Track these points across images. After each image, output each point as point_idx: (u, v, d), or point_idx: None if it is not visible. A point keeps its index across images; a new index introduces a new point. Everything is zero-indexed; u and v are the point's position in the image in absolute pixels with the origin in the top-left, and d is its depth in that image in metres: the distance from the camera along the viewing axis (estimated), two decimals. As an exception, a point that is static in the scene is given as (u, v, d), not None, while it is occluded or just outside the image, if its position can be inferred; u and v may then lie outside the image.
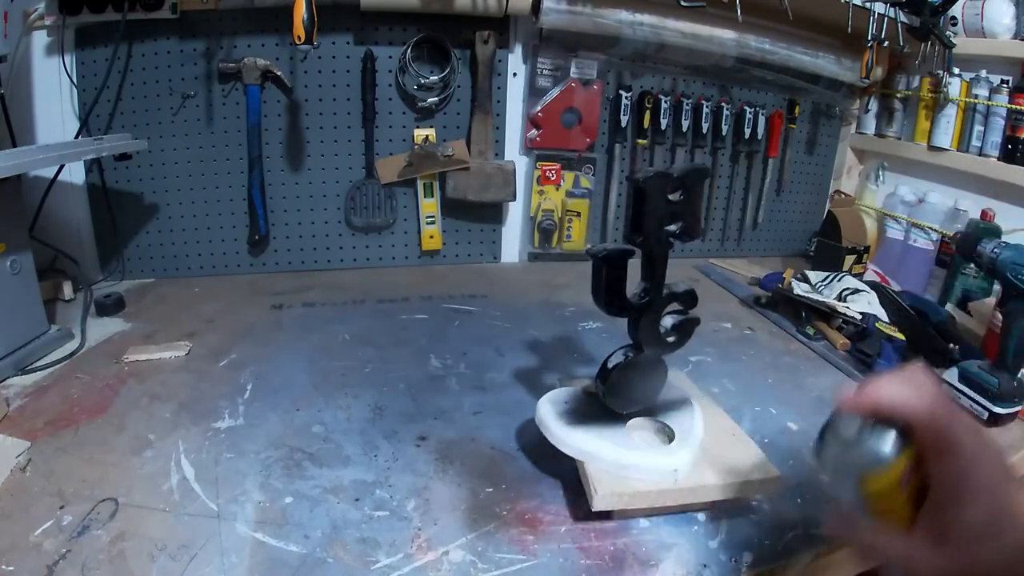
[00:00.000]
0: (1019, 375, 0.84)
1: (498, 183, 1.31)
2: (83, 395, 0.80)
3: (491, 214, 1.38)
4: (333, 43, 1.19)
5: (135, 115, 1.14)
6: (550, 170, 1.35)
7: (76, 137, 1.10)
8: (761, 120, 1.44)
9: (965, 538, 0.35)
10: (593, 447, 0.61)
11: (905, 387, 0.38)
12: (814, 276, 1.16)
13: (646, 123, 1.36)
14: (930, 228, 1.34)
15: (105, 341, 0.96)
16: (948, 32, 1.27)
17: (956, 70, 1.29)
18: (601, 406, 0.65)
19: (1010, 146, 1.21)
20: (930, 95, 1.34)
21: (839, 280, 1.13)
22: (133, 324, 1.02)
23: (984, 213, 1.26)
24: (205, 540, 0.57)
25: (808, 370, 0.97)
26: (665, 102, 1.35)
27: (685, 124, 1.38)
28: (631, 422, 0.66)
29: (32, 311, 0.90)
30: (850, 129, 1.59)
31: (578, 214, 1.39)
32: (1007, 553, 0.34)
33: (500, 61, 1.27)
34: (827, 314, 1.08)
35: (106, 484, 0.63)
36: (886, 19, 1.24)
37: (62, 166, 1.09)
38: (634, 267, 0.60)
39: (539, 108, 1.31)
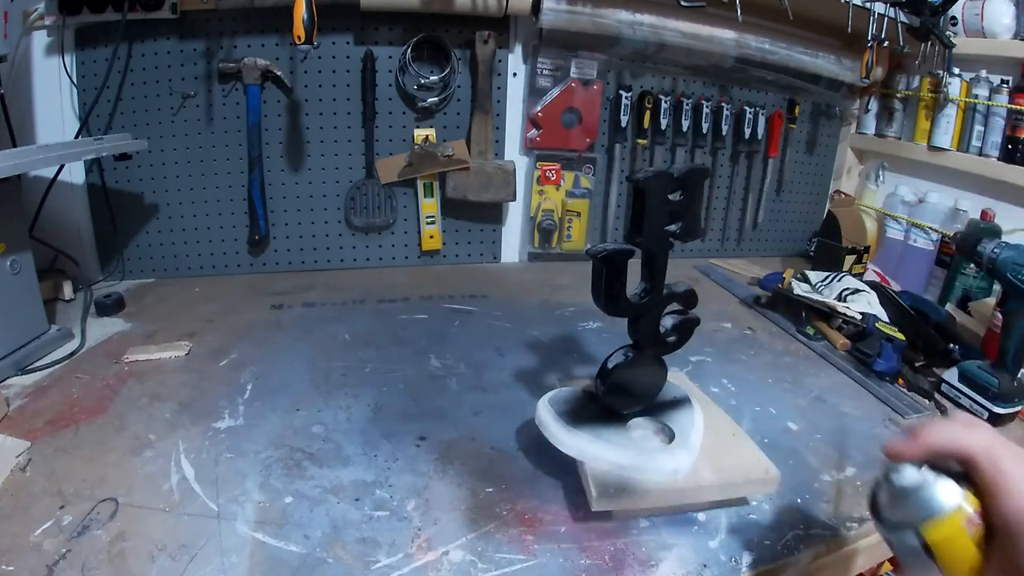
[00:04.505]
0: (1019, 375, 0.84)
1: (498, 183, 1.31)
2: (83, 395, 0.80)
3: (491, 214, 1.38)
4: (333, 43, 1.19)
5: (135, 115, 1.14)
6: (550, 170, 1.35)
7: (76, 137, 1.10)
8: (761, 120, 1.44)
9: None
10: (593, 447, 0.61)
11: (956, 428, 0.38)
12: (814, 276, 1.16)
13: (646, 123, 1.36)
14: (930, 228, 1.34)
15: (105, 341, 0.96)
16: (948, 32, 1.27)
17: (956, 70, 1.29)
18: (601, 406, 0.65)
19: (1010, 146, 1.20)
20: (930, 95, 1.34)
21: (839, 280, 1.13)
22: (133, 324, 1.02)
23: (984, 213, 1.26)
24: (205, 540, 0.57)
25: (808, 370, 0.97)
26: (665, 102, 1.35)
27: (685, 124, 1.38)
28: (631, 422, 0.66)
29: (32, 311, 0.90)
30: (850, 129, 1.59)
31: (578, 214, 1.39)
32: None
33: (500, 61, 1.27)
34: (827, 314, 1.08)
35: (106, 484, 0.63)
36: (886, 19, 1.23)
37: (62, 166, 1.09)
38: (634, 267, 0.60)
39: (539, 108, 1.31)
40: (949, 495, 0.36)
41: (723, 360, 0.98)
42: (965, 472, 0.37)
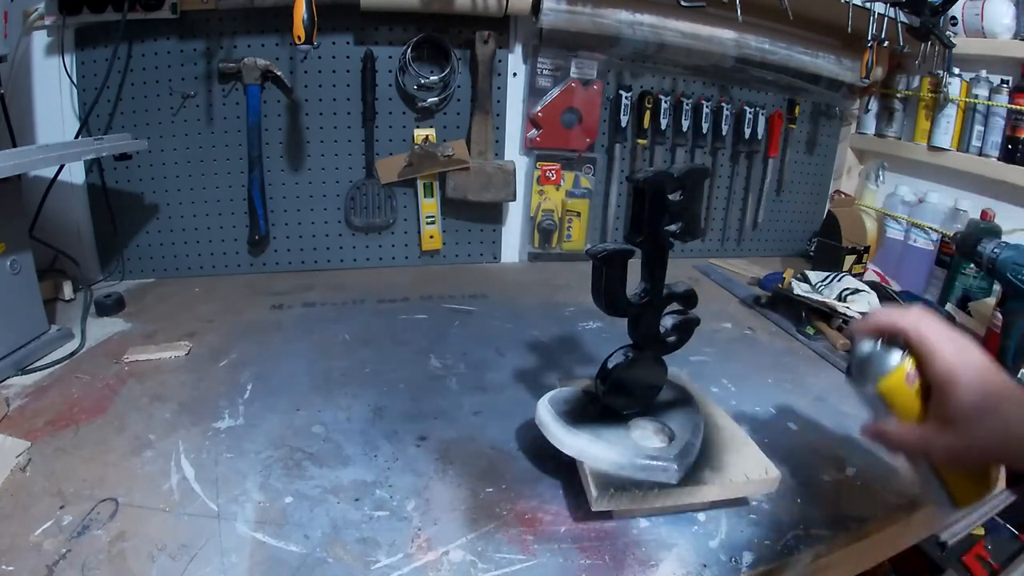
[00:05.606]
0: (1019, 375, 0.84)
1: (498, 183, 1.31)
2: (83, 395, 0.80)
3: (491, 214, 1.38)
4: (333, 43, 1.19)
5: (135, 115, 1.14)
6: (550, 170, 1.35)
7: (76, 137, 1.10)
8: (761, 120, 1.44)
9: (962, 418, 0.44)
10: (593, 447, 0.61)
11: (898, 312, 0.50)
12: (814, 276, 1.16)
13: (646, 123, 1.36)
14: (930, 228, 1.34)
15: (105, 341, 0.96)
16: (948, 32, 1.27)
17: (956, 70, 1.29)
18: (601, 406, 0.65)
19: (1010, 146, 1.21)
20: (930, 95, 1.34)
21: (839, 280, 1.13)
22: (133, 324, 1.02)
23: (984, 213, 1.26)
24: (205, 540, 0.57)
25: (808, 370, 0.97)
26: (665, 102, 1.35)
27: (685, 124, 1.38)
28: (631, 422, 0.66)
29: (32, 311, 0.90)
30: (850, 129, 1.59)
31: (578, 214, 1.39)
32: (1000, 426, 0.43)
33: (500, 61, 1.27)
34: (827, 314, 1.08)
35: (106, 484, 0.63)
36: (886, 19, 1.24)
37: (62, 166, 1.09)
38: (634, 267, 0.60)
39: (539, 108, 1.31)
40: (892, 358, 0.49)
41: (723, 360, 0.98)
42: (906, 343, 0.49)
